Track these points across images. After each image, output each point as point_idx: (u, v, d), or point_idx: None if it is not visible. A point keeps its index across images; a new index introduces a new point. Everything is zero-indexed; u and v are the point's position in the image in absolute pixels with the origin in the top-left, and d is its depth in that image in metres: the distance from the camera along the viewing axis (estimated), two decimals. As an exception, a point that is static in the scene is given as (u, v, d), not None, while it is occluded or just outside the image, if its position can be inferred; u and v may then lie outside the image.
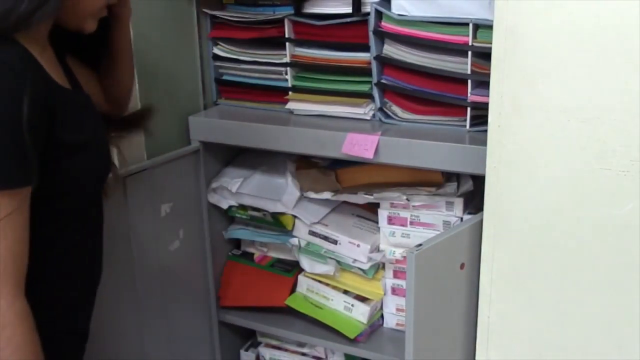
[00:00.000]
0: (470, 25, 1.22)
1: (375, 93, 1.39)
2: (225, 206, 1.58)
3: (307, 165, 1.57)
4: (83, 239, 0.98)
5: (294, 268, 1.61)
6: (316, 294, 1.56)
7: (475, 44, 1.23)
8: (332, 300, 1.54)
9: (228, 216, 1.65)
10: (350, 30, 1.38)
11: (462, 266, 1.12)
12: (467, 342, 1.17)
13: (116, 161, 1.17)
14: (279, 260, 1.65)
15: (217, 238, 1.64)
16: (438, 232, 1.35)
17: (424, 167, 1.30)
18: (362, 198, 1.44)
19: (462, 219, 1.37)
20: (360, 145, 1.31)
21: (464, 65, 1.26)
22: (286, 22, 1.43)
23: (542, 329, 1.07)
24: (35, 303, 0.84)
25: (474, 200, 1.38)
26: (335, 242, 1.48)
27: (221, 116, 1.53)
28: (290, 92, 1.48)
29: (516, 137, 1.00)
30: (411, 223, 1.41)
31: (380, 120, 1.39)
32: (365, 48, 1.36)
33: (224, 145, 1.53)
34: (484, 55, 1.21)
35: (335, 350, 1.61)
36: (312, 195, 1.49)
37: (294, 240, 1.54)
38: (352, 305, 1.51)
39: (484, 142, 1.05)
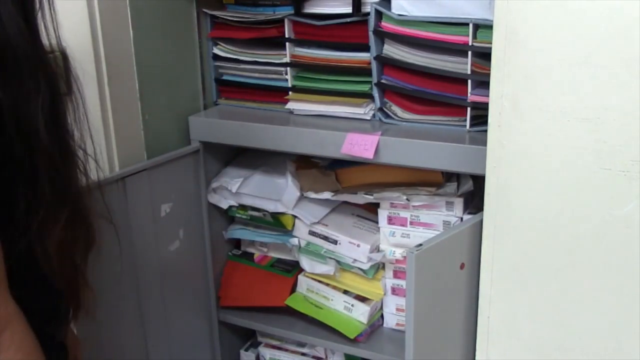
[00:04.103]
0: (470, 25, 1.22)
1: (375, 93, 1.39)
2: (225, 206, 1.58)
3: (307, 165, 1.57)
4: None
5: (294, 268, 1.61)
6: (316, 294, 1.56)
7: (475, 44, 1.23)
8: (332, 300, 1.54)
9: (228, 216, 1.65)
10: (350, 30, 1.38)
11: (462, 266, 1.12)
12: (467, 342, 1.17)
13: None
14: (279, 260, 1.65)
15: (217, 238, 1.64)
16: (438, 232, 1.35)
17: (424, 167, 1.30)
18: (362, 198, 1.44)
19: (462, 219, 1.37)
20: (360, 145, 1.31)
21: (464, 65, 1.26)
22: (286, 22, 1.43)
23: (542, 329, 1.07)
24: None
25: (474, 200, 1.38)
26: (335, 242, 1.48)
27: (221, 116, 1.53)
28: (290, 92, 1.48)
29: (516, 137, 1.00)
30: (411, 223, 1.41)
31: (380, 120, 1.39)
32: (365, 48, 1.36)
33: (224, 145, 1.53)
34: (484, 55, 1.21)
35: (335, 350, 1.61)
36: (312, 195, 1.49)
37: (294, 240, 1.54)
38: (352, 305, 1.51)
39: (484, 142, 1.05)
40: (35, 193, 0.78)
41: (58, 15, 0.85)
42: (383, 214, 1.44)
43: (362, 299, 1.51)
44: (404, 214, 1.41)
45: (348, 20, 1.36)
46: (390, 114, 1.39)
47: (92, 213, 0.91)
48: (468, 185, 1.37)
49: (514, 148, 1.01)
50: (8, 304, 0.79)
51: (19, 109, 0.76)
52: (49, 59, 0.81)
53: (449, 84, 1.29)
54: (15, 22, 0.75)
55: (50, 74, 0.80)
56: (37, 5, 0.81)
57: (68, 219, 0.82)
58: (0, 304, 0.78)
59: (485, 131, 1.04)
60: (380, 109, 1.40)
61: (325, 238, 1.50)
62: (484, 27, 1.22)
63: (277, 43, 1.46)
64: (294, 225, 1.53)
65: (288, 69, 1.47)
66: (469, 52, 1.24)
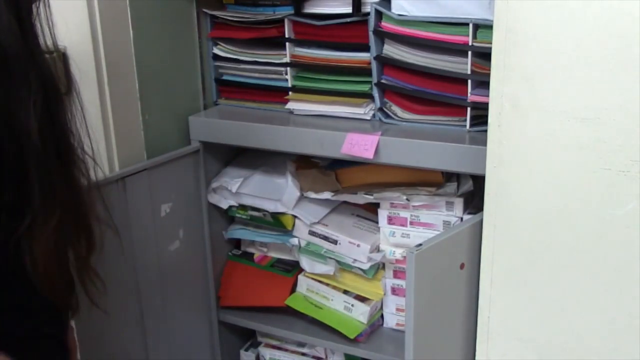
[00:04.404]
0: (470, 25, 1.22)
1: (375, 93, 1.39)
2: (225, 206, 1.58)
3: (307, 165, 1.57)
4: None
5: (294, 268, 1.61)
6: (316, 294, 1.56)
7: (475, 44, 1.23)
8: (332, 300, 1.54)
9: (228, 216, 1.64)
10: (350, 30, 1.38)
11: (462, 266, 1.12)
12: (467, 342, 1.17)
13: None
14: (279, 260, 1.65)
15: (217, 238, 1.64)
16: (438, 232, 1.35)
17: (424, 167, 1.30)
18: (362, 198, 1.44)
19: (462, 219, 1.37)
20: (360, 145, 1.31)
21: (464, 65, 1.26)
22: (286, 22, 1.43)
23: (542, 329, 1.07)
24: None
25: (474, 200, 1.38)
26: (335, 242, 1.48)
27: (221, 116, 1.53)
28: (290, 92, 1.48)
29: (516, 137, 1.00)
30: (411, 223, 1.41)
31: (380, 120, 1.39)
32: (365, 48, 1.36)
33: (224, 145, 1.53)
34: (484, 55, 1.21)
35: (335, 350, 1.61)
36: (312, 195, 1.49)
37: (294, 240, 1.54)
38: (352, 305, 1.51)
39: (484, 142, 1.05)
40: (23, 196, 0.77)
41: (57, 16, 0.84)
42: (383, 214, 1.44)
43: (362, 299, 1.51)
44: (404, 214, 1.41)
45: (348, 20, 1.36)
46: (390, 114, 1.38)
47: (93, 215, 0.90)
48: (468, 185, 1.37)
49: (514, 148, 1.01)
50: None
51: (8, 108, 0.74)
52: (44, 59, 0.80)
53: (449, 84, 1.29)
54: (6, 21, 0.74)
55: (45, 74, 0.79)
56: (34, 7, 0.80)
57: (62, 222, 0.81)
58: None
59: (485, 131, 1.04)
60: (380, 109, 1.40)
61: (325, 238, 1.50)
62: (484, 27, 1.22)
63: (277, 43, 1.46)
64: (294, 225, 1.53)
65: (288, 69, 1.47)
66: (469, 52, 1.24)
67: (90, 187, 0.90)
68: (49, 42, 0.82)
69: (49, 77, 0.80)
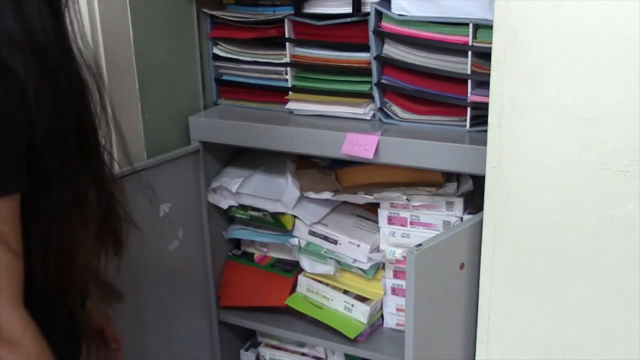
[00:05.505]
0: (470, 25, 1.22)
1: (375, 93, 1.39)
2: (225, 206, 1.58)
3: (307, 165, 1.57)
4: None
5: (294, 268, 1.61)
6: (316, 294, 1.56)
7: (475, 44, 1.23)
8: (332, 300, 1.54)
9: (228, 216, 1.65)
10: (350, 30, 1.38)
11: (462, 266, 1.12)
12: (467, 342, 1.17)
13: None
14: (279, 260, 1.65)
15: (217, 238, 1.64)
16: (438, 232, 1.35)
17: (424, 167, 1.30)
18: (362, 198, 1.44)
19: (462, 219, 1.37)
20: (360, 145, 1.31)
21: (464, 65, 1.26)
22: (286, 22, 1.43)
23: (542, 329, 1.07)
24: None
25: (474, 200, 1.38)
26: (335, 242, 1.48)
27: (221, 116, 1.53)
28: (290, 92, 1.48)
29: (516, 137, 1.00)
30: (411, 223, 1.41)
31: (380, 120, 1.39)
32: (365, 48, 1.36)
33: (224, 145, 1.53)
34: (484, 55, 1.21)
35: (335, 350, 1.61)
36: (312, 195, 1.49)
37: (294, 240, 1.54)
38: (352, 305, 1.51)
39: (484, 142, 1.05)
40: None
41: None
42: (383, 214, 1.44)
43: (362, 299, 1.51)
44: (404, 214, 1.41)
45: (348, 20, 1.36)
46: (390, 114, 1.38)
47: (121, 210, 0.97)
48: (468, 185, 1.37)
49: (514, 148, 1.01)
50: (14, 313, 0.78)
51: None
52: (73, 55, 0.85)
53: (449, 84, 1.29)
54: (40, 14, 0.78)
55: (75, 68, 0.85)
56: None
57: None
58: (5, 314, 0.77)
59: (485, 131, 1.04)
60: (380, 109, 1.40)
61: (325, 238, 1.50)
62: (484, 27, 1.22)
63: (277, 43, 1.46)
64: (294, 225, 1.53)
65: (288, 69, 1.47)
66: (469, 52, 1.24)
67: (115, 181, 0.94)
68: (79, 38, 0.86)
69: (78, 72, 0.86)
